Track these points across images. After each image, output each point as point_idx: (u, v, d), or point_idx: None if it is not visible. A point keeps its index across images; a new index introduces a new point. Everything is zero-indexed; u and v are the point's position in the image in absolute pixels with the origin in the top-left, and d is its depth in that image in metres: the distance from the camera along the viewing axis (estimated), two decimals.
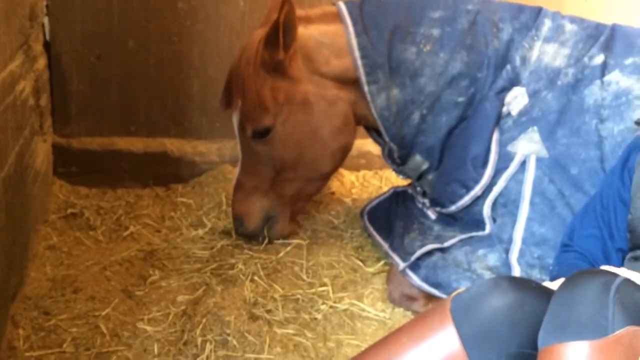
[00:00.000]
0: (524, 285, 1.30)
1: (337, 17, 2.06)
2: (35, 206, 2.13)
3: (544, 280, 1.81)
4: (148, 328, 1.80)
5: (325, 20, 2.08)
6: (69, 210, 2.36)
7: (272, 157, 2.10)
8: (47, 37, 2.45)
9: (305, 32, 2.04)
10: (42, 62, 2.32)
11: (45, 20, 2.43)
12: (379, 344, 1.39)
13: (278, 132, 2.06)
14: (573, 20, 2.07)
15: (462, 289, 1.35)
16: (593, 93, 1.91)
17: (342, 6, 2.07)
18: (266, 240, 2.20)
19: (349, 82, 2.06)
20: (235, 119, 2.13)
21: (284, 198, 2.18)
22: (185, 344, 1.76)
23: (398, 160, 2.17)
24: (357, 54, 2.00)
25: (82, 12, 2.47)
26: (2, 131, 1.66)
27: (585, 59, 1.96)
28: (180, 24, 2.55)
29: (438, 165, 2.06)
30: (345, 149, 2.18)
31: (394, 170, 2.29)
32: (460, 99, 2.00)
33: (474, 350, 1.24)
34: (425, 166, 2.09)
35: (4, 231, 1.67)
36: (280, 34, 1.94)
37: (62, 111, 2.56)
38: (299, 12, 2.06)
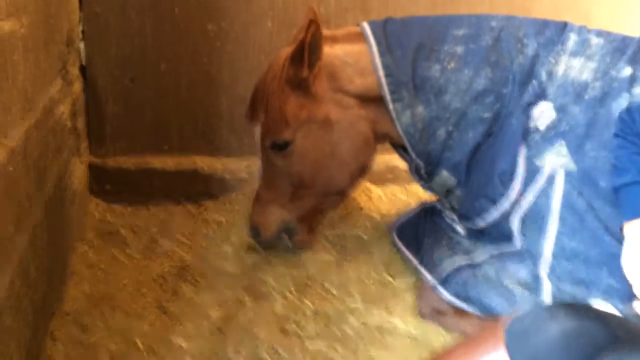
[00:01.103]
0: (582, 313, 1.24)
1: (361, 37, 2.10)
2: (73, 225, 2.20)
3: (575, 295, 1.81)
4: (182, 343, 1.85)
5: (350, 40, 2.12)
6: (105, 229, 2.43)
7: (290, 172, 2.14)
8: (83, 62, 2.54)
9: (331, 52, 2.08)
10: (78, 86, 2.41)
11: (82, 45, 2.52)
12: None
13: (297, 147, 2.10)
14: (599, 33, 2.06)
15: (515, 313, 1.31)
16: (621, 106, 1.90)
17: (366, 26, 2.11)
18: (289, 249, 2.22)
19: (372, 100, 2.09)
20: (257, 132, 2.18)
21: (301, 211, 2.21)
22: (218, 358, 1.79)
23: (425, 176, 2.19)
24: (381, 72, 2.04)
25: (116, 37, 2.55)
26: (44, 154, 1.73)
27: (613, 72, 1.96)
28: (210, 45, 2.62)
29: (466, 181, 2.07)
30: (364, 168, 2.21)
31: (422, 186, 2.30)
32: (486, 115, 2.01)
33: None
34: (452, 182, 2.11)
35: (45, 250, 1.73)
36: (306, 53, 1.99)
37: (97, 132, 2.65)
38: (326, 32, 2.11)
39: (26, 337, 1.53)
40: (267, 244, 2.24)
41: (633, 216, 1.57)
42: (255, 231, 2.23)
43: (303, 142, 2.10)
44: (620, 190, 1.67)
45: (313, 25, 1.96)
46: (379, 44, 2.06)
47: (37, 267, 1.63)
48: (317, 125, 2.09)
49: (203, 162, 2.74)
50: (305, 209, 2.21)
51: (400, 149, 2.27)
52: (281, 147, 2.11)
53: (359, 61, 2.08)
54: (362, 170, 2.20)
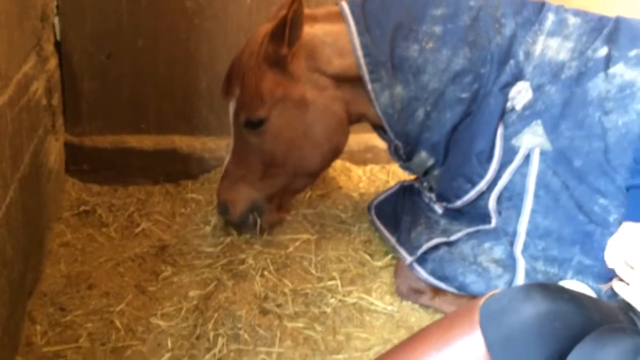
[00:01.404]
0: (557, 296, 1.25)
1: (341, 17, 2.09)
2: (49, 204, 2.18)
3: (548, 273, 1.85)
4: (161, 323, 1.85)
5: (329, 19, 2.10)
6: (82, 208, 2.40)
7: (262, 150, 2.13)
8: (58, 37, 2.49)
9: (310, 31, 2.07)
10: (53, 62, 2.36)
11: (56, 20, 2.46)
12: (404, 344, 1.39)
13: (271, 125, 2.09)
14: (577, 13, 2.08)
15: (490, 293, 1.32)
16: (597, 86, 1.92)
17: (345, 6, 2.10)
18: (258, 228, 2.22)
19: (349, 81, 2.09)
20: (231, 107, 2.16)
21: (271, 190, 2.21)
22: (197, 338, 1.80)
23: (404, 156, 2.20)
24: (359, 52, 2.03)
25: (91, 12, 2.50)
26: (18, 132, 1.71)
27: (589, 52, 1.97)
28: (189, 22, 2.58)
29: (443, 161, 2.09)
30: (337, 150, 2.21)
31: (400, 166, 2.32)
32: (464, 95, 2.02)
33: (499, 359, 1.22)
34: (430, 162, 2.12)
35: (20, 229, 1.71)
36: (287, 30, 1.98)
37: (73, 110, 2.61)
38: (306, 11, 2.09)
39: (3, 316, 1.51)
40: (235, 222, 2.24)
41: (637, 219, 1.56)
42: (223, 208, 2.23)
43: (277, 120, 2.09)
44: (631, 190, 1.67)
45: (296, 2, 1.94)
46: (357, 23, 2.05)
47: (13, 246, 1.61)
48: (292, 104, 2.08)
49: (182, 142, 2.72)
50: (275, 188, 2.21)
51: (379, 129, 2.27)
52: (255, 124, 2.10)
53: (338, 41, 2.07)
54: (334, 152, 2.21)
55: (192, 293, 1.98)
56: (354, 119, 2.21)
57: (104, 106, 2.63)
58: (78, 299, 1.92)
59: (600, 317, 1.27)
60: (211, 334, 1.80)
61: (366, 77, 2.04)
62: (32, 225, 1.88)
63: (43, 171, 2.07)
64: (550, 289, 1.29)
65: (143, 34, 2.57)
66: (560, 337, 1.20)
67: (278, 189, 2.22)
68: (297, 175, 2.21)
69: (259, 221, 2.23)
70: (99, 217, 2.37)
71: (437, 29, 2.03)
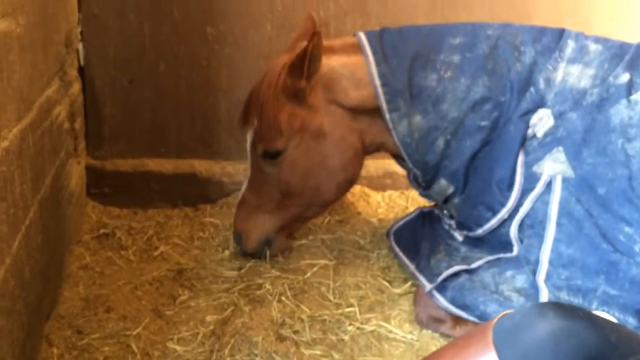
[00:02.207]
0: (572, 314, 1.23)
1: (358, 48, 2.10)
2: (69, 227, 2.19)
3: (572, 303, 1.80)
4: (178, 348, 1.83)
5: (346, 51, 2.12)
6: (102, 231, 2.42)
7: (279, 180, 2.15)
8: (82, 63, 2.54)
9: (328, 63, 2.08)
10: (76, 87, 2.40)
11: (80, 46, 2.51)
12: None
13: (288, 156, 2.11)
14: (597, 40, 2.07)
15: (505, 312, 1.31)
16: (619, 112, 1.90)
17: (363, 36, 2.11)
18: (268, 258, 2.25)
19: (366, 112, 2.10)
20: (249, 137, 2.19)
21: (284, 218, 2.22)
22: None
23: (423, 184, 2.19)
24: (377, 82, 2.04)
25: (114, 38, 2.55)
26: (40, 154, 1.72)
27: (611, 79, 1.96)
28: (209, 48, 2.62)
29: (463, 189, 2.07)
30: (352, 181, 2.23)
31: (420, 194, 2.30)
32: (484, 123, 2.01)
33: None
34: (450, 190, 2.10)
35: (40, 252, 1.72)
36: (306, 63, 1.99)
37: (95, 134, 2.64)
38: (324, 42, 2.11)
39: (20, 339, 1.51)
40: (247, 253, 2.26)
41: None
42: (238, 238, 2.25)
43: (294, 152, 2.10)
44: None
45: (316, 36, 1.96)
46: (375, 53, 2.06)
47: (31, 268, 1.62)
48: (309, 136, 2.10)
49: (201, 166, 2.73)
50: (289, 217, 2.23)
51: (398, 158, 2.27)
52: (272, 155, 2.11)
53: (355, 73, 2.08)
54: (349, 183, 2.23)
55: (209, 318, 1.96)
56: (371, 149, 2.21)
57: (125, 130, 2.66)
58: (95, 322, 1.92)
59: (618, 339, 1.23)
60: None
61: (384, 106, 2.04)
62: (52, 248, 1.88)
63: (64, 194, 2.09)
64: (564, 307, 1.27)
65: (165, 60, 2.60)
66: (576, 355, 1.18)
67: (292, 218, 2.24)
68: (312, 205, 2.23)
69: (268, 253, 2.25)
70: (118, 240, 2.37)
71: (455, 58, 2.03)
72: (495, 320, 1.28)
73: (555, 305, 1.26)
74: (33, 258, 1.64)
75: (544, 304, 1.28)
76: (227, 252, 2.33)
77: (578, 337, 1.19)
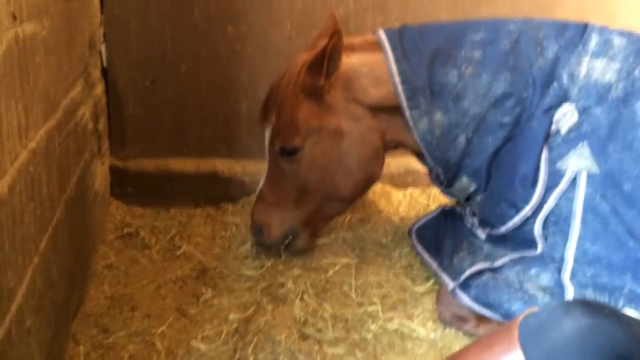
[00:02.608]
0: (598, 312, 1.22)
1: (378, 46, 2.09)
2: (95, 227, 2.22)
3: (598, 301, 1.78)
4: (202, 346, 1.85)
5: (366, 49, 2.11)
6: (126, 230, 2.44)
7: (297, 177, 2.15)
8: (105, 64, 2.56)
9: (347, 61, 2.08)
10: (100, 88, 2.43)
11: (103, 47, 2.54)
12: None
13: (306, 154, 2.11)
14: (622, 34, 2.03)
15: (530, 310, 1.30)
16: None
17: (382, 34, 2.10)
18: (284, 250, 2.24)
19: (386, 110, 2.09)
20: (267, 134, 2.19)
21: (304, 216, 2.21)
22: None
23: (445, 182, 2.17)
24: (397, 79, 2.03)
25: (137, 40, 2.58)
26: (65, 155, 1.75)
27: (636, 73, 1.92)
28: (230, 48, 2.63)
29: (486, 186, 2.05)
30: (371, 179, 2.21)
31: (442, 192, 2.29)
32: (506, 120, 1.99)
33: None
34: (473, 188, 2.09)
35: (66, 251, 1.74)
36: (326, 62, 2.00)
37: (118, 134, 2.67)
38: (344, 40, 2.10)
39: (47, 338, 1.54)
40: (268, 245, 2.25)
41: None
42: (258, 230, 2.24)
43: (312, 150, 2.10)
44: None
45: (336, 35, 1.96)
46: (395, 51, 2.05)
47: (59, 268, 1.64)
48: (327, 135, 2.09)
49: (223, 165, 2.75)
50: (308, 214, 2.21)
51: (419, 156, 2.25)
52: (290, 152, 2.12)
53: (375, 71, 2.07)
54: (368, 181, 2.21)
55: (232, 316, 1.97)
56: (391, 147, 2.20)
57: (148, 131, 2.69)
58: (121, 321, 1.94)
59: None
60: (251, 358, 1.79)
61: (404, 104, 2.03)
62: (78, 248, 1.91)
63: (89, 194, 2.12)
64: (590, 305, 1.26)
65: (186, 61, 2.62)
66: (604, 353, 1.16)
67: (311, 215, 2.22)
68: (330, 202, 2.21)
69: (291, 245, 2.23)
70: (142, 239, 2.40)
71: (477, 54, 2.02)
72: (520, 319, 1.27)
73: (582, 303, 1.24)
74: (60, 258, 1.66)
75: (570, 302, 1.27)
76: (249, 252, 2.33)
77: (605, 334, 1.17)
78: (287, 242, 2.23)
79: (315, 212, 2.22)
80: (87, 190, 2.09)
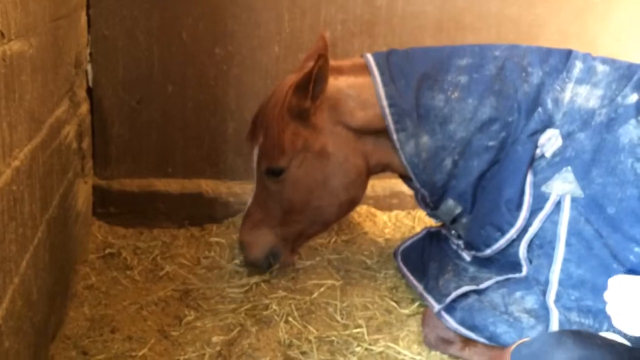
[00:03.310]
0: (590, 342, 1.23)
1: (365, 69, 2.11)
2: (76, 246, 2.19)
3: (583, 324, 1.78)
4: None
5: (354, 72, 2.13)
6: (107, 250, 2.41)
7: (281, 197, 2.16)
8: (90, 83, 2.55)
9: (335, 84, 2.10)
10: (85, 107, 2.41)
11: (89, 67, 2.53)
12: None
13: (291, 174, 2.12)
14: (604, 61, 2.07)
15: (521, 341, 1.30)
16: (628, 132, 1.89)
17: (370, 57, 2.13)
18: (269, 269, 2.27)
19: (372, 133, 2.11)
20: (255, 153, 2.21)
21: (288, 234, 2.23)
22: None
23: (431, 204, 2.18)
24: (384, 102, 2.05)
25: (123, 59, 2.57)
26: (49, 174, 1.73)
27: (619, 99, 1.96)
28: (217, 69, 2.63)
29: (471, 209, 2.07)
30: (354, 202, 2.23)
31: (428, 214, 2.30)
32: (492, 143, 2.01)
33: None
34: (458, 210, 2.10)
35: (46, 271, 1.71)
36: (311, 85, 2.01)
37: (102, 154, 2.65)
38: (331, 62, 2.13)
39: (26, 359, 1.50)
40: (250, 262, 2.27)
41: None
42: (242, 248, 2.27)
43: (297, 171, 2.12)
44: None
45: (322, 58, 1.98)
46: (382, 74, 2.07)
47: (38, 288, 1.61)
48: (312, 156, 2.11)
49: (208, 186, 2.73)
50: (292, 233, 2.23)
51: (405, 178, 2.26)
52: (275, 173, 2.13)
53: (362, 94, 2.09)
54: (351, 203, 2.23)
55: (215, 339, 1.95)
56: (377, 170, 2.22)
57: (133, 150, 2.67)
58: (101, 343, 1.90)
59: None
60: None
61: (391, 127, 2.05)
62: (59, 268, 1.88)
63: (71, 213, 2.09)
64: (582, 335, 1.27)
65: (173, 80, 2.62)
66: None
67: (295, 234, 2.24)
68: (314, 223, 2.23)
69: (274, 264, 2.26)
70: (124, 260, 2.37)
71: (463, 79, 2.04)
72: (513, 348, 1.27)
73: (574, 334, 1.25)
74: (40, 278, 1.63)
75: (562, 331, 1.27)
76: (233, 273, 2.31)
77: None
78: (268, 262, 2.25)
79: (298, 231, 2.24)
80: (69, 209, 2.06)
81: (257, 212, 2.23)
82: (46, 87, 1.71)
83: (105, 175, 2.67)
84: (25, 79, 1.46)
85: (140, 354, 1.86)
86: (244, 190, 2.70)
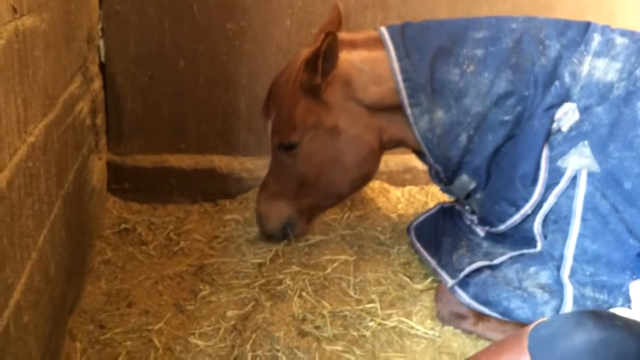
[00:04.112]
0: (610, 323, 1.21)
1: (380, 42, 2.09)
2: (91, 222, 2.21)
3: (597, 300, 1.78)
4: (199, 342, 1.84)
5: (368, 45, 2.11)
6: (122, 226, 2.43)
7: (294, 171, 2.19)
8: (103, 59, 2.55)
9: (348, 58, 2.07)
10: (97, 83, 2.41)
11: (101, 42, 2.52)
12: None
13: (303, 150, 2.13)
14: (623, 33, 2.03)
15: (540, 320, 1.29)
16: None
17: (384, 31, 2.10)
18: (291, 240, 2.32)
19: (385, 108, 2.09)
20: (269, 127, 2.22)
21: (303, 205, 2.26)
22: (235, 359, 1.79)
23: (445, 180, 2.17)
24: (399, 77, 2.03)
25: (135, 34, 2.56)
26: (63, 150, 1.73)
27: (638, 72, 1.92)
28: (229, 44, 2.61)
29: (486, 184, 2.05)
30: (367, 177, 2.25)
31: (442, 189, 2.29)
32: (507, 118, 1.99)
33: None
34: (472, 185, 2.08)
35: (63, 247, 1.73)
36: (320, 62, 2.00)
37: (116, 130, 2.66)
38: (346, 35, 2.10)
39: (45, 333, 1.53)
40: (267, 233, 2.31)
41: None
42: (259, 218, 2.31)
43: (309, 146, 2.12)
44: None
45: (330, 36, 1.96)
46: (396, 48, 2.05)
47: (56, 263, 1.63)
48: (324, 131, 2.11)
49: (220, 161, 2.73)
50: (307, 204, 2.26)
51: (419, 153, 2.25)
52: (287, 148, 2.15)
53: (375, 68, 2.07)
54: (364, 179, 2.25)
55: (230, 313, 1.97)
56: (390, 145, 2.21)
57: (146, 126, 2.67)
58: (118, 317, 1.93)
59: None
60: (249, 355, 1.79)
61: (405, 101, 2.03)
62: (75, 243, 1.90)
63: (86, 189, 2.10)
64: (602, 316, 1.25)
65: (184, 56, 2.61)
66: None
67: (309, 205, 2.27)
68: (327, 196, 2.26)
69: (290, 234, 2.30)
70: (139, 235, 2.39)
71: (479, 52, 2.01)
72: (531, 327, 1.26)
73: (594, 315, 1.23)
74: (57, 253, 1.65)
75: (582, 312, 1.25)
76: (247, 248, 2.32)
77: (617, 347, 1.17)
78: (285, 232, 2.30)
79: (312, 203, 2.26)
80: (84, 185, 2.08)
81: (272, 184, 2.26)
82: (59, 63, 1.71)
83: (119, 151, 2.68)
84: (38, 54, 1.46)
85: (156, 327, 1.88)
86: (256, 166, 2.70)
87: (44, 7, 1.51)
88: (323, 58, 2.00)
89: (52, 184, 1.60)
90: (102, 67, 2.54)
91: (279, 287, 2.10)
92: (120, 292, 2.05)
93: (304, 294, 2.06)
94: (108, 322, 1.91)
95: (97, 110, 2.36)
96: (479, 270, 1.94)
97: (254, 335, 1.85)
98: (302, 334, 1.88)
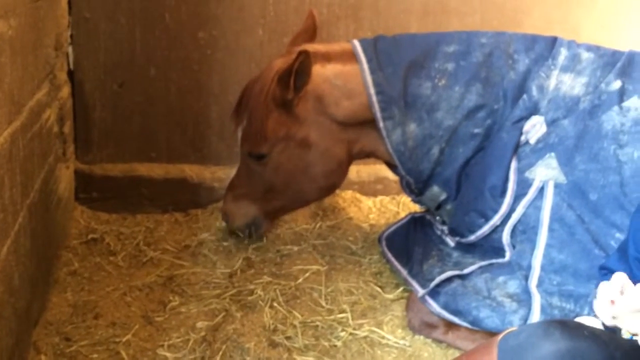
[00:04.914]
0: (577, 333, 1.23)
1: (352, 55, 2.10)
2: (58, 232, 2.16)
3: (564, 309, 1.80)
4: (168, 354, 1.81)
5: (342, 59, 2.12)
6: (90, 236, 2.39)
7: (263, 177, 2.21)
8: (71, 66, 2.51)
9: (322, 72, 2.09)
10: (66, 91, 2.38)
11: (70, 49, 2.49)
12: None
13: (272, 160, 2.16)
14: (589, 48, 2.08)
15: (509, 330, 1.30)
16: (611, 119, 1.91)
17: (357, 44, 2.11)
18: (253, 239, 2.36)
19: (357, 122, 2.11)
20: (239, 133, 2.23)
21: (269, 207, 2.29)
22: None
23: (416, 190, 2.19)
24: (372, 90, 2.04)
25: (105, 42, 2.53)
26: (29, 159, 1.70)
27: (603, 86, 1.97)
28: (201, 53, 2.60)
29: (456, 195, 2.08)
30: (334, 186, 2.30)
31: (413, 200, 2.31)
32: (477, 130, 2.02)
33: None
34: (443, 196, 2.11)
35: (28, 257, 1.69)
36: (292, 80, 2.01)
37: (84, 138, 2.61)
38: (320, 48, 2.11)
39: (8, 346, 1.49)
40: (232, 231, 2.35)
41: None
42: (225, 217, 2.34)
43: (278, 157, 2.15)
44: None
45: (303, 54, 1.98)
46: (369, 61, 2.07)
47: (20, 274, 1.59)
48: (294, 144, 2.13)
49: (192, 170, 2.71)
50: (273, 207, 2.29)
51: (391, 165, 2.27)
52: (257, 157, 2.17)
53: (348, 83, 2.09)
54: (331, 188, 2.30)
55: (199, 324, 1.94)
56: (361, 156, 2.25)
57: (115, 134, 2.64)
58: (84, 329, 1.89)
59: (622, 356, 1.23)
60: None
61: (378, 114, 2.05)
62: (40, 253, 1.86)
63: (52, 198, 2.06)
64: (569, 326, 1.27)
65: (155, 64, 2.59)
66: None
67: (275, 208, 2.30)
68: (294, 203, 2.30)
69: (254, 234, 2.34)
70: (107, 245, 2.35)
71: (450, 66, 2.04)
72: (500, 337, 1.27)
73: (561, 325, 1.25)
74: (22, 264, 1.61)
75: (550, 322, 1.27)
76: (217, 258, 2.30)
77: (583, 357, 1.18)
78: (249, 231, 2.33)
79: (278, 207, 2.30)
80: (51, 194, 2.04)
81: (240, 186, 2.28)
82: (26, 70, 1.68)
83: (87, 159, 2.64)
84: (4, 60, 1.43)
85: (124, 339, 1.85)
86: (228, 175, 2.67)
87: (11, 13, 1.49)
88: (295, 75, 2.01)
89: (17, 193, 1.56)
90: (71, 74, 2.50)
91: (249, 298, 2.08)
92: (86, 304, 2.01)
93: (275, 304, 2.05)
94: (74, 334, 1.87)
95: (64, 118, 2.32)
96: (449, 280, 1.96)
97: (224, 347, 1.83)
98: (273, 344, 1.87)
